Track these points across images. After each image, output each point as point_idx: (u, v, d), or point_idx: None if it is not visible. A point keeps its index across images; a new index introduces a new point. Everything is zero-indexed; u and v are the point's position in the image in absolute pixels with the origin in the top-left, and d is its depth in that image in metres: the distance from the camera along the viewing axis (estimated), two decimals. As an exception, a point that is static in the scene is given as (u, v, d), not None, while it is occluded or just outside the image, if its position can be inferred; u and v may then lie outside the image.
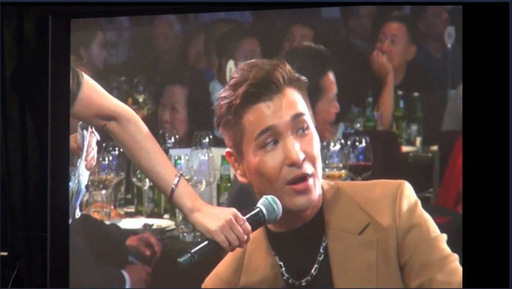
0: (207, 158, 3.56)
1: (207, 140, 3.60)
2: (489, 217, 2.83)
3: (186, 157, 3.55)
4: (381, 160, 3.19)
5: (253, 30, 3.63)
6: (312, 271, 2.44)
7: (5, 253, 3.68)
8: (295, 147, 2.35)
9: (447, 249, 2.38)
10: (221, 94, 2.46)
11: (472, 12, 2.90)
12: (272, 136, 2.39)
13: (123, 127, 2.90)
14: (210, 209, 2.76)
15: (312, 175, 2.36)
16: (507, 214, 2.80)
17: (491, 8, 2.89)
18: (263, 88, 2.39)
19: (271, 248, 2.47)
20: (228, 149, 2.52)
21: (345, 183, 2.56)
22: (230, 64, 3.59)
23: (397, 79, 3.48)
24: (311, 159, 2.37)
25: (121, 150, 3.53)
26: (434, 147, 3.50)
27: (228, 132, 2.47)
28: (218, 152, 3.56)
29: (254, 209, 2.65)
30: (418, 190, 2.63)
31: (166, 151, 3.56)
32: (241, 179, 2.53)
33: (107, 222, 3.60)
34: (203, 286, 2.59)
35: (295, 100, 2.40)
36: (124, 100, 3.35)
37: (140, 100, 3.74)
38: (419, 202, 2.44)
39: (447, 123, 3.45)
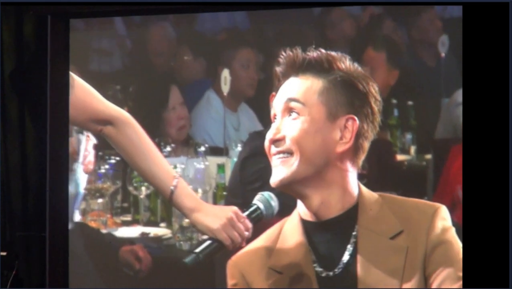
0: (203, 167, 3.60)
1: (203, 149, 3.65)
2: (489, 217, 2.79)
3: (182, 166, 3.58)
4: (376, 169, 3.19)
5: (250, 39, 3.69)
6: (339, 265, 2.51)
7: (4, 253, 3.66)
8: (274, 127, 2.49)
9: None
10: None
11: (472, 12, 2.87)
12: (274, 112, 2.52)
13: (120, 131, 2.89)
14: (210, 208, 2.79)
15: (286, 153, 2.48)
16: (507, 214, 2.78)
17: (491, 8, 2.86)
18: (285, 69, 2.52)
19: (304, 235, 2.53)
20: None
21: (384, 194, 2.62)
22: (225, 72, 3.65)
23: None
24: (292, 140, 2.47)
25: (118, 159, 3.60)
26: (428, 156, 3.54)
27: None
28: (214, 161, 3.62)
29: (252, 206, 2.70)
30: (412, 197, 2.66)
31: (162, 158, 3.63)
32: None
33: (104, 231, 3.63)
34: (230, 261, 2.64)
35: (303, 87, 2.49)
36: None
37: (136, 108, 3.70)
38: (453, 229, 2.52)
39: (440, 131, 3.50)
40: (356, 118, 2.50)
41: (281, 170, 2.51)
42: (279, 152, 2.50)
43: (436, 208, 2.52)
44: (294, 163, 2.48)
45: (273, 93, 2.87)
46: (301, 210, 2.57)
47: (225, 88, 3.68)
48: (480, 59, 2.87)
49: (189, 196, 2.81)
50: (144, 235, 3.62)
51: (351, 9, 3.63)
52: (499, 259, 2.71)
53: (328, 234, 2.51)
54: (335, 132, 2.50)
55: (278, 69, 2.55)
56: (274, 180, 2.53)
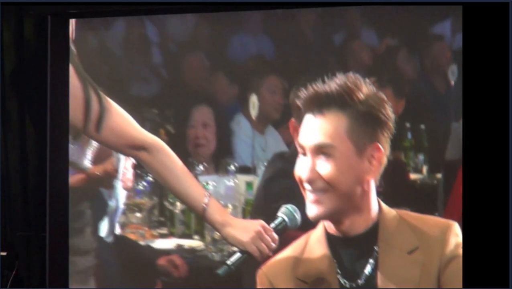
0: (233, 184, 3.71)
1: (233, 168, 3.72)
2: (489, 217, 2.76)
3: (214, 183, 3.68)
4: (391, 187, 3.22)
5: (276, 67, 3.75)
6: (362, 277, 2.63)
7: (4, 253, 3.62)
8: (307, 166, 2.56)
9: None
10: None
11: (472, 12, 2.83)
12: (302, 150, 2.59)
13: (154, 157, 3.02)
14: (239, 222, 2.97)
15: (322, 191, 2.55)
16: (507, 214, 2.75)
17: (491, 8, 2.81)
18: (306, 104, 2.58)
19: (329, 248, 2.62)
20: None
21: (401, 210, 2.72)
22: (253, 98, 3.72)
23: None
24: (327, 180, 2.55)
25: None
26: (439, 175, 3.55)
27: None
28: (242, 179, 3.71)
29: (277, 218, 2.85)
30: (424, 213, 2.80)
31: (195, 177, 3.54)
32: None
33: (142, 243, 3.70)
34: (260, 271, 2.74)
35: (330, 128, 2.55)
36: (157, 131, 3.55)
37: (173, 131, 3.79)
38: None
39: (450, 153, 3.52)
40: (380, 145, 2.60)
41: (316, 207, 2.58)
42: (314, 190, 2.57)
43: (449, 225, 2.63)
44: (329, 200, 2.56)
45: (292, 119, 3.03)
46: (327, 224, 2.65)
47: (254, 112, 3.73)
48: (480, 59, 2.81)
49: (219, 211, 2.96)
50: (179, 247, 3.67)
51: (369, 41, 3.66)
52: (499, 259, 2.69)
53: (352, 248, 2.62)
54: (364, 163, 2.59)
55: (300, 101, 2.59)
56: (311, 214, 2.60)
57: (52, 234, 3.57)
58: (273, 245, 2.88)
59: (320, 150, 2.57)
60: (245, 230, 2.94)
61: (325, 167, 2.57)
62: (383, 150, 2.62)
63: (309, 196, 2.60)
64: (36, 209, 3.73)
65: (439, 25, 3.56)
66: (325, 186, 2.58)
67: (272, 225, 2.89)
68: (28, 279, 3.73)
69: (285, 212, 2.89)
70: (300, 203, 2.94)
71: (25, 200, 3.80)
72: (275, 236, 2.89)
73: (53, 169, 3.57)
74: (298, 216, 2.86)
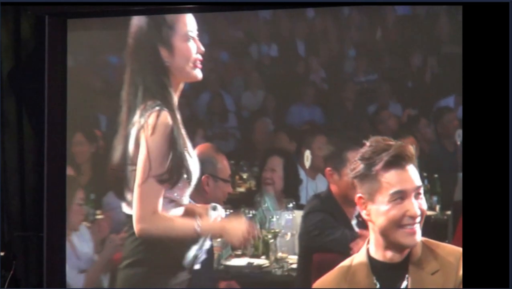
0: (291, 218, 4.18)
1: (291, 205, 4.20)
2: (489, 217, 2.76)
3: (277, 217, 4.17)
4: None
5: (324, 129, 4.19)
6: None
7: (2, 253, 3.60)
8: (415, 205, 2.83)
9: None
10: (358, 157, 2.84)
11: (472, 12, 2.76)
12: (400, 195, 2.81)
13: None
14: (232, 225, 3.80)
15: (418, 223, 2.85)
16: (507, 214, 2.73)
17: (491, 8, 2.74)
18: (400, 159, 2.79)
19: (371, 271, 2.90)
20: (360, 194, 2.86)
21: (425, 239, 2.92)
22: (307, 153, 4.17)
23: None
24: (425, 213, 2.86)
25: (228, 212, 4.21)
26: (449, 212, 3.98)
27: (364, 183, 2.85)
28: (299, 214, 4.14)
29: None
30: (437, 240, 2.96)
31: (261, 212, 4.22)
32: (366, 218, 2.90)
33: (222, 261, 4.22)
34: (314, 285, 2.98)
35: (417, 173, 2.86)
36: (233, 177, 4.20)
37: (245, 177, 4.40)
38: None
39: (457, 195, 3.92)
40: None
41: (415, 236, 2.84)
42: (414, 224, 2.82)
43: (461, 253, 2.87)
44: (420, 230, 2.86)
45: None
46: (371, 249, 2.90)
47: (307, 163, 4.19)
48: (480, 59, 2.76)
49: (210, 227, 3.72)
50: (249, 264, 4.17)
51: (394, 110, 4.14)
52: (499, 259, 2.72)
53: (392, 270, 2.89)
54: None
55: (393, 160, 2.77)
56: (411, 243, 2.83)
57: (49, 235, 3.52)
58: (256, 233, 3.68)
59: (418, 190, 2.85)
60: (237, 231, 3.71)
61: (423, 204, 2.86)
62: None
63: (405, 230, 2.82)
64: (34, 209, 3.72)
65: (447, 99, 4.05)
66: (421, 219, 2.85)
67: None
68: (26, 279, 3.75)
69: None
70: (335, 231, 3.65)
71: (23, 200, 3.77)
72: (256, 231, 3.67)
73: (50, 169, 3.50)
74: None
